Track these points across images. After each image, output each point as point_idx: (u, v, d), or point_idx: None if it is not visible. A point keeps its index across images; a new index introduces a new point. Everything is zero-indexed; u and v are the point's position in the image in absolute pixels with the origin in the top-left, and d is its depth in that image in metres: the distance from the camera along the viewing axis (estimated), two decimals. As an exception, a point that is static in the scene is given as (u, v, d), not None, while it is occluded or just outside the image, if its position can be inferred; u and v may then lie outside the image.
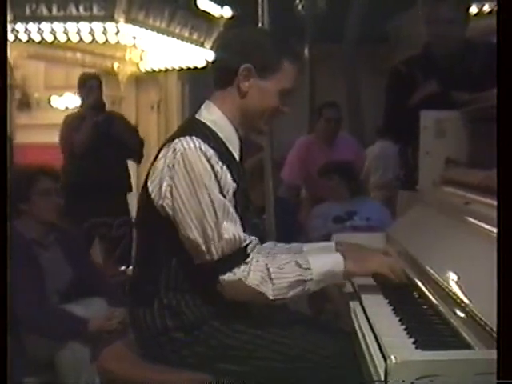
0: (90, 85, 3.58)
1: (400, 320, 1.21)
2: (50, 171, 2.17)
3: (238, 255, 1.26)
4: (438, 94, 2.17)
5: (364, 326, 1.21)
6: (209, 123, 1.34)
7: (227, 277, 1.25)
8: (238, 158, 1.38)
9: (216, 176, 1.26)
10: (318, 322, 1.55)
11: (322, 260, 1.34)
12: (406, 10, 6.02)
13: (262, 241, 1.42)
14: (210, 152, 1.26)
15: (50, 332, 1.95)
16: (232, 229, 1.25)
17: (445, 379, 0.91)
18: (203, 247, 1.26)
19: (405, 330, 1.15)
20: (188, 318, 1.31)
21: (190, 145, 1.26)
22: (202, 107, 1.39)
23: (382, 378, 0.95)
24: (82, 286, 2.14)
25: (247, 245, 1.28)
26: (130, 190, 3.79)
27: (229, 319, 1.31)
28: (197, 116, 1.38)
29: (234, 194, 1.30)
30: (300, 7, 5.70)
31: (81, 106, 3.65)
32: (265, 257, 1.33)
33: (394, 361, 0.92)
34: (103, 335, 1.94)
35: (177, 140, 1.28)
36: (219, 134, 1.34)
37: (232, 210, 1.27)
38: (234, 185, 1.29)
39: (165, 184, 1.27)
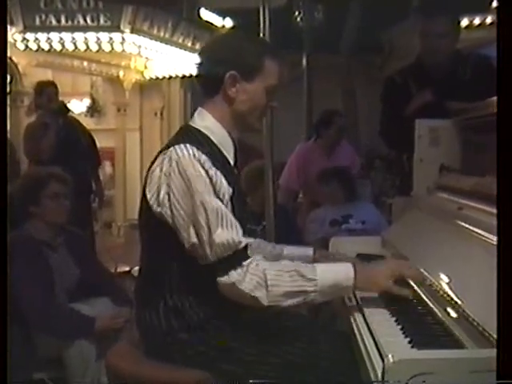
0: (47, 92, 3.70)
1: (396, 321, 1.23)
2: (59, 175, 2.21)
3: (235, 258, 1.25)
4: (431, 103, 2.25)
5: (362, 326, 1.23)
6: (202, 129, 1.36)
7: (224, 279, 1.25)
8: (232, 162, 1.39)
9: (211, 181, 1.27)
10: (318, 326, 1.55)
11: (331, 272, 1.31)
12: (400, 22, 6.15)
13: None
14: (203, 158, 1.27)
15: (59, 330, 1.99)
16: (225, 233, 1.25)
17: (439, 377, 0.94)
18: (199, 251, 1.26)
19: (401, 330, 1.17)
20: (192, 319, 1.32)
21: (184, 152, 1.28)
22: (195, 114, 1.41)
23: (380, 376, 0.98)
24: (88, 286, 2.18)
25: (246, 247, 1.27)
26: (91, 191, 3.97)
27: (232, 321, 1.33)
28: (191, 123, 1.40)
29: (231, 198, 1.30)
30: (298, 19, 5.82)
31: (41, 113, 3.76)
32: (267, 261, 1.31)
33: (391, 360, 0.96)
34: (109, 334, 1.98)
35: (172, 148, 1.30)
36: (213, 139, 1.36)
37: (228, 213, 1.27)
38: (230, 189, 1.30)
39: (162, 192, 1.28)
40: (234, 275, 1.25)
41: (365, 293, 1.38)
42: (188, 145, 1.29)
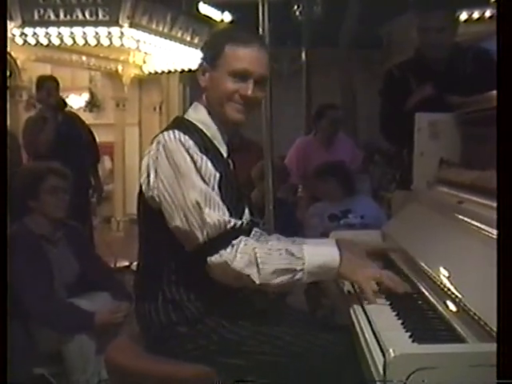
0: (47, 86, 3.70)
1: (397, 315, 1.23)
2: (58, 169, 2.20)
3: (224, 237, 1.27)
4: (431, 97, 2.25)
5: (362, 321, 1.23)
6: (195, 121, 1.39)
7: (214, 259, 1.27)
8: (225, 155, 1.41)
9: (195, 165, 1.29)
10: (317, 320, 1.57)
11: (319, 252, 1.33)
12: (398, 16, 6.15)
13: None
14: (190, 143, 1.30)
15: (59, 325, 1.99)
16: (214, 214, 1.27)
17: (440, 371, 0.93)
18: (188, 234, 1.28)
19: (402, 324, 1.17)
20: (191, 312, 1.33)
21: (171, 136, 1.31)
22: (191, 108, 1.44)
23: (381, 371, 0.98)
24: (88, 281, 2.18)
25: (234, 226, 1.29)
26: (90, 186, 3.97)
27: (230, 314, 1.34)
28: (184, 115, 1.44)
29: (219, 183, 1.31)
30: (297, 13, 5.82)
31: (40, 108, 3.76)
32: (256, 241, 1.34)
33: (392, 354, 0.95)
34: (109, 328, 1.98)
35: (160, 135, 1.34)
36: (205, 131, 1.38)
37: (215, 195, 1.29)
38: (217, 174, 1.31)
39: (152, 176, 1.31)
40: (224, 254, 1.27)
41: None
42: (176, 130, 1.33)
